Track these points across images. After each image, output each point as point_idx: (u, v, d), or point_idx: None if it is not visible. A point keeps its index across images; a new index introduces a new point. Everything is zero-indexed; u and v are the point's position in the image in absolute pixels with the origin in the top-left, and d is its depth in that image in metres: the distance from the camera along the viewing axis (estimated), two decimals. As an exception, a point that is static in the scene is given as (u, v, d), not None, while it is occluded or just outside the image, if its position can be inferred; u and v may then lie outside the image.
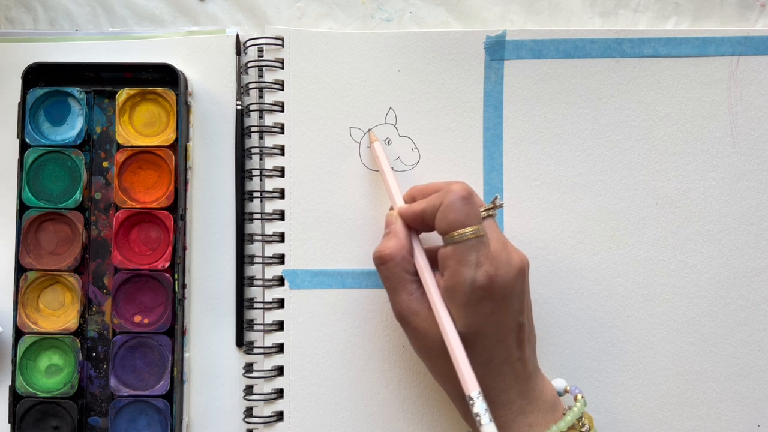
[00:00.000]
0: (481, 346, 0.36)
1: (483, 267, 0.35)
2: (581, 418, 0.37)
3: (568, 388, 0.39)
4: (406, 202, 0.40)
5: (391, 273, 0.38)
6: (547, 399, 0.37)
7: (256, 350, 0.43)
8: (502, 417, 0.36)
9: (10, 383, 0.42)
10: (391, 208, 0.41)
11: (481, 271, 0.35)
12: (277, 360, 0.43)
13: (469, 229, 0.35)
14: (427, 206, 0.37)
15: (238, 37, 0.44)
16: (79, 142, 0.43)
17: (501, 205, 0.38)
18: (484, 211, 0.37)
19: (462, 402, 0.37)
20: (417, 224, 0.38)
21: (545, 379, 0.38)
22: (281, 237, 0.44)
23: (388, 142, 0.44)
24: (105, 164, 0.44)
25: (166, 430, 0.42)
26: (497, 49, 0.44)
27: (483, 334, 0.36)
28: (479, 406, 0.34)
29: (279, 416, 0.43)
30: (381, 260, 0.38)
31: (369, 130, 0.44)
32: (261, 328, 0.43)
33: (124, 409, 0.42)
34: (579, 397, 0.38)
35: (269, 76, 0.44)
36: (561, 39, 0.44)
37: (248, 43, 0.44)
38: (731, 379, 0.43)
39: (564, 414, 0.37)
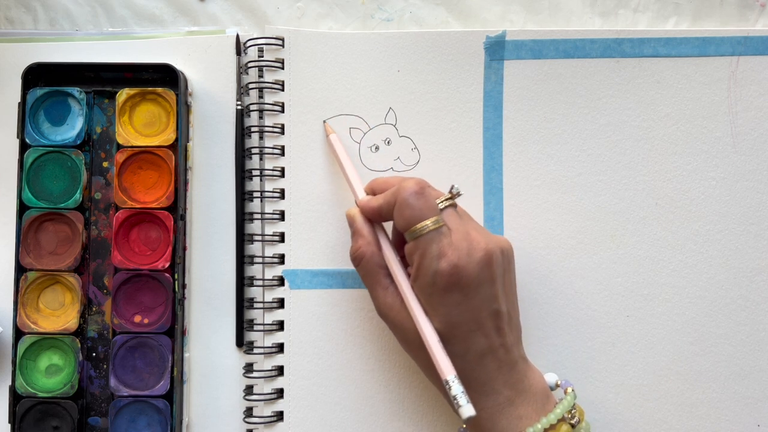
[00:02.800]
0: (457, 337, 0.36)
1: (445, 257, 0.35)
2: (572, 410, 0.37)
3: (560, 382, 0.39)
4: (367, 194, 0.41)
5: (365, 271, 0.39)
6: (537, 391, 0.37)
7: (256, 350, 0.43)
8: (489, 408, 0.36)
9: (10, 383, 0.42)
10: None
11: (444, 261, 0.35)
12: (277, 360, 0.43)
13: (427, 222, 0.36)
14: (383, 203, 0.38)
15: (238, 37, 0.44)
16: (79, 142, 0.43)
17: (459, 194, 0.38)
18: (444, 201, 0.37)
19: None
20: (377, 218, 0.39)
21: (535, 370, 0.38)
22: (281, 237, 0.44)
23: (388, 143, 0.44)
24: (105, 164, 0.44)
25: (166, 430, 0.42)
26: (497, 49, 0.44)
27: (456, 324, 0.36)
28: (456, 389, 0.34)
29: (279, 416, 0.43)
30: (356, 261, 0.39)
31: (324, 121, 0.44)
32: (261, 328, 0.43)
33: (124, 409, 0.42)
34: (569, 390, 0.38)
35: (269, 77, 0.44)
36: (561, 39, 0.44)
37: (248, 44, 0.44)
38: (731, 379, 0.43)
39: (555, 406, 0.37)
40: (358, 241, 0.39)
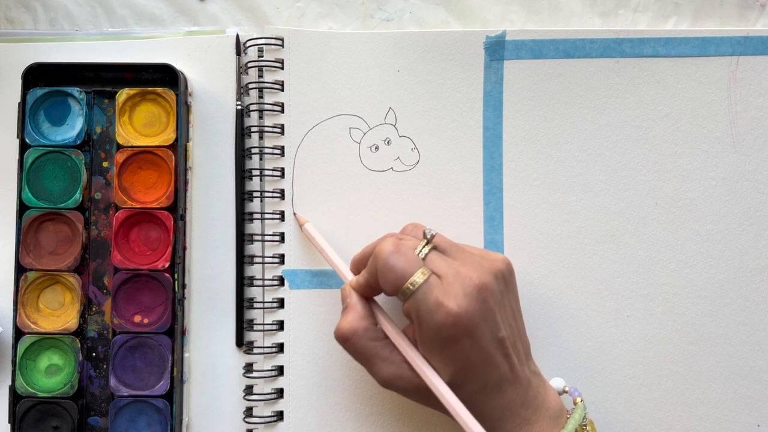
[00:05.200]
0: (473, 377, 0.35)
1: (443, 307, 0.34)
2: (585, 425, 0.37)
3: (567, 389, 0.39)
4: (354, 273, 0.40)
5: (357, 347, 0.37)
6: (551, 406, 0.37)
7: (256, 350, 0.43)
8: (509, 431, 0.36)
9: (10, 383, 0.42)
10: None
11: (443, 312, 0.34)
12: (277, 360, 0.43)
13: (413, 278, 0.35)
14: (368, 277, 0.37)
15: (238, 37, 0.44)
16: (79, 142, 0.43)
17: (434, 236, 0.37)
18: (424, 248, 0.36)
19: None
20: (372, 293, 0.38)
21: (548, 385, 0.38)
22: (281, 237, 0.44)
23: (388, 143, 0.44)
24: (105, 164, 0.44)
25: (166, 430, 0.42)
26: (497, 49, 0.44)
27: (471, 365, 0.35)
28: None
29: (279, 416, 0.43)
30: (342, 338, 0.37)
31: (294, 213, 0.43)
32: (261, 328, 0.43)
33: (124, 409, 0.42)
34: (578, 401, 0.38)
35: (269, 77, 0.44)
36: (561, 39, 0.44)
37: (248, 44, 0.44)
38: (731, 378, 0.43)
39: (567, 421, 0.37)
40: (347, 318, 0.37)
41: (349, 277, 0.40)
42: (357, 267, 0.40)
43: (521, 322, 0.38)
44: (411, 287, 0.35)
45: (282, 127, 0.44)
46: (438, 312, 0.34)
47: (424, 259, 0.36)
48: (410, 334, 0.37)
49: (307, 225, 0.43)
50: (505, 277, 0.37)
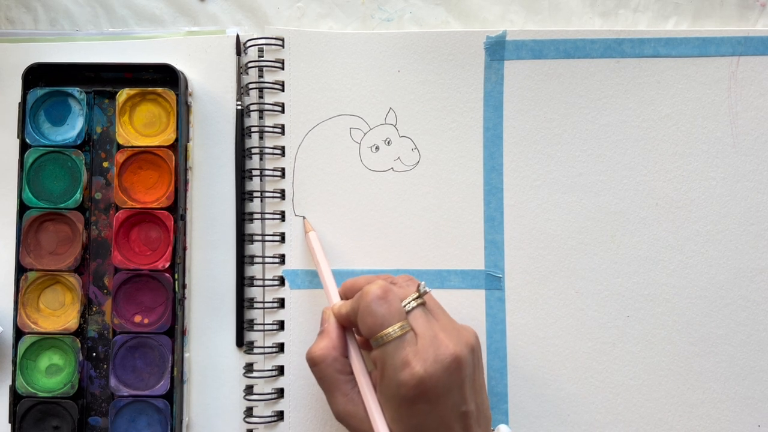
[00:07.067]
0: None
1: (409, 367, 0.34)
2: None
3: None
4: (341, 297, 0.40)
5: (323, 375, 0.37)
6: None
7: (256, 350, 0.43)
8: None
9: (10, 383, 0.42)
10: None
11: (407, 372, 0.34)
12: (277, 360, 0.43)
13: (390, 329, 0.34)
14: (350, 311, 0.37)
15: (238, 37, 0.44)
16: (79, 142, 0.43)
17: (426, 292, 0.36)
18: (413, 301, 0.36)
19: None
20: (349, 325, 0.38)
21: None
22: (282, 237, 0.44)
23: (389, 143, 0.44)
24: (105, 164, 0.44)
25: (166, 430, 0.42)
26: (497, 50, 0.44)
27: (423, 431, 0.34)
28: None
29: (279, 416, 0.43)
30: (312, 362, 0.37)
31: (303, 217, 0.43)
32: (261, 328, 0.43)
33: (124, 409, 0.42)
34: None
35: (269, 77, 0.44)
36: (561, 39, 0.44)
37: (248, 44, 0.44)
38: (731, 379, 0.43)
39: None
40: (321, 343, 0.37)
41: (335, 299, 0.39)
42: (345, 293, 0.39)
43: (486, 398, 0.37)
44: (384, 338, 0.35)
45: (282, 127, 0.44)
46: (403, 370, 0.34)
47: (409, 312, 0.36)
48: (375, 379, 0.37)
49: (311, 234, 0.43)
50: (478, 351, 0.37)
